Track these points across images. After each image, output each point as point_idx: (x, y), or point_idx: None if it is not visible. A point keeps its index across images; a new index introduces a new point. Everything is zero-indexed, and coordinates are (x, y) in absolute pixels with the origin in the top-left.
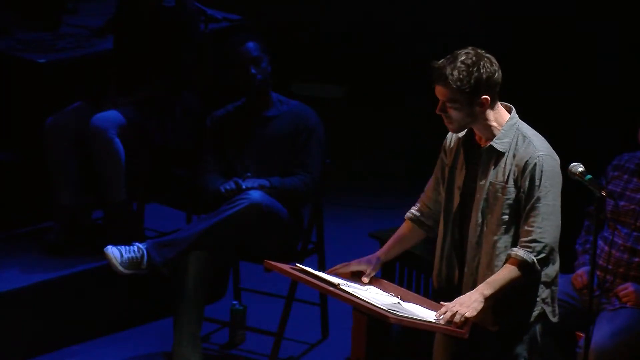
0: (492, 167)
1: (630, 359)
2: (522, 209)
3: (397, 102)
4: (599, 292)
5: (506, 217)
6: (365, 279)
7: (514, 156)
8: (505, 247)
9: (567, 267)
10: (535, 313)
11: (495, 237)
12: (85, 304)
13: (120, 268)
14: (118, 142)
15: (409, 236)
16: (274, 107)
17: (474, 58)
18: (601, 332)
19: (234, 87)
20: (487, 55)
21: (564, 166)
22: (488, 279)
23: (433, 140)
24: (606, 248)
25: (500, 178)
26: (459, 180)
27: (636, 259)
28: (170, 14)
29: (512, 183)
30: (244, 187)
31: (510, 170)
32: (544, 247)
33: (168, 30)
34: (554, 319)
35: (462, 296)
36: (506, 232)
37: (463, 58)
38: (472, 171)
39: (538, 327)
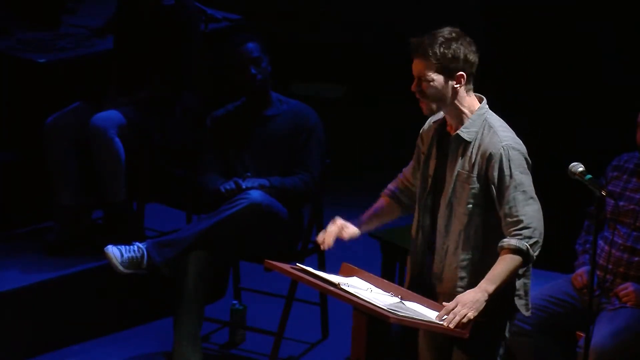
0: (460, 156)
1: (630, 359)
2: (497, 202)
3: (397, 102)
4: (599, 292)
5: (471, 206)
6: (338, 231)
7: (479, 146)
8: (470, 235)
9: (567, 267)
10: (508, 306)
11: (462, 227)
12: (85, 304)
13: (121, 268)
14: (118, 142)
15: (385, 211)
16: (273, 107)
17: (453, 34)
18: (601, 332)
19: (234, 87)
20: (467, 37)
21: (564, 166)
22: (487, 275)
23: None
24: (606, 248)
25: (466, 167)
26: (431, 169)
27: (636, 259)
28: (170, 13)
29: (477, 173)
30: (243, 187)
31: (475, 160)
32: (533, 231)
33: (168, 30)
34: (527, 313)
35: (463, 294)
36: (471, 221)
37: (443, 33)
38: (442, 160)
39: (508, 321)
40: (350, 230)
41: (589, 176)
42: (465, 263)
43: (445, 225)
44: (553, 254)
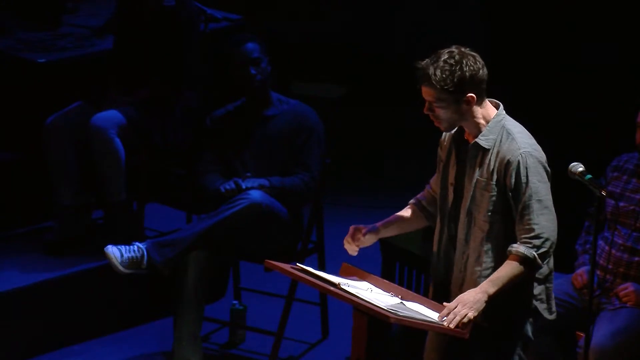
0: (479, 164)
1: (630, 359)
2: (513, 208)
3: (397, 102)
4: (599, 292)
5: (491, 214)
6: (357, 240)
7: (498, 153)
8: (491, 243)
9: (567, 267)
10: (527, 311)
11: (483, 234)
12: (85, 304)
13: (121, 268)
14: (118, 142)
15: (409, 219)
16: (273, 107)
17: (457, 57)
18: (601, 332)
19: (234, 87)
20: (471, 53)
21: (564, 166)
22: (491, 277)
23: (433, 140)
24: (606, 248)
25: (485, 175)
26: (451, 177)
27: (636, 259)
28: (170, 13)
29: (495, 180)
30: (243, 187)
31: (494, 167)
32: (544, 242)
33: (168, 30)
34: (550, 317)
35: (463, 294)
36: (492, 228)
37: (446, 57)
38: (462, 168)
39: (530, 325)
40: (366, 236)
41: (589, 176)
42: (487, 272)
43: (466, 234)
44: (553, 254)
